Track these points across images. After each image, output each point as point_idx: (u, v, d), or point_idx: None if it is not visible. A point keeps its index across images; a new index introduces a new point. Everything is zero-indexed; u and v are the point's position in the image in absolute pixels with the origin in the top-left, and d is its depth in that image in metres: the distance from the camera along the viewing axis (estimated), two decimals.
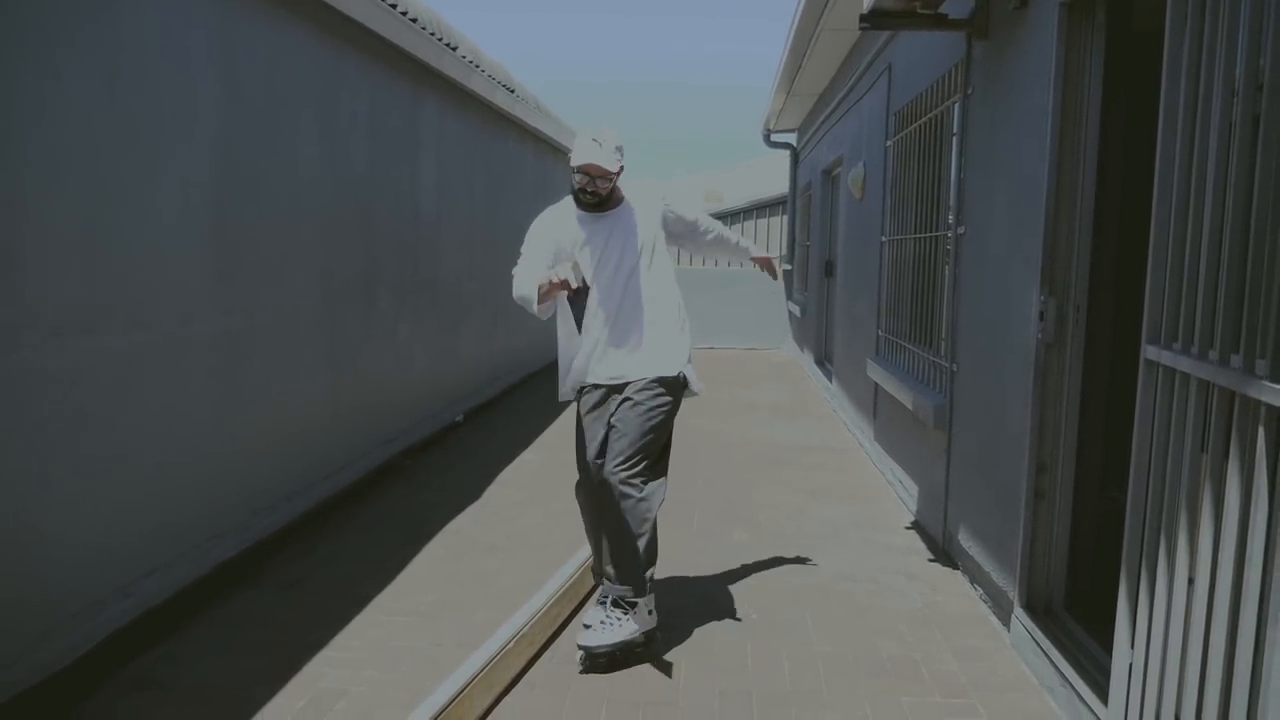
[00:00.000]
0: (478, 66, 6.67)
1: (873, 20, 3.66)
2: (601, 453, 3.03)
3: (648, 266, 3.13)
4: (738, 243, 3.51)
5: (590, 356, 3.13)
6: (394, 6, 5.00)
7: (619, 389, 3.09)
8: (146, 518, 3.16)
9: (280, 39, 4.02)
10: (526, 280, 3.06)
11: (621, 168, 3.06)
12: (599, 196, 3.04)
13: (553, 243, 3.14)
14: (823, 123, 9.23)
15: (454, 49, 6.10)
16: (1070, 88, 2.90)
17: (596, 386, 3.13)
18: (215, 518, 3.59)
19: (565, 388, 3.24)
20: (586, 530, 3.26)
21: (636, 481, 2.95)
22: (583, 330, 3.14)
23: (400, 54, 5.34)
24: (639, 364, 3.09)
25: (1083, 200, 2.91)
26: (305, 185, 4.30)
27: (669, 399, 3.07)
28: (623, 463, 2.94)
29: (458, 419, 6.79)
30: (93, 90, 2.84)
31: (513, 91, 7.76)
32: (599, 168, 2.98)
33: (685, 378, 3.15)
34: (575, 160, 3.01)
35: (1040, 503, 3.01)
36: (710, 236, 3.39)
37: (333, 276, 4.64)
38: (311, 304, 4.42)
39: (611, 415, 3.05)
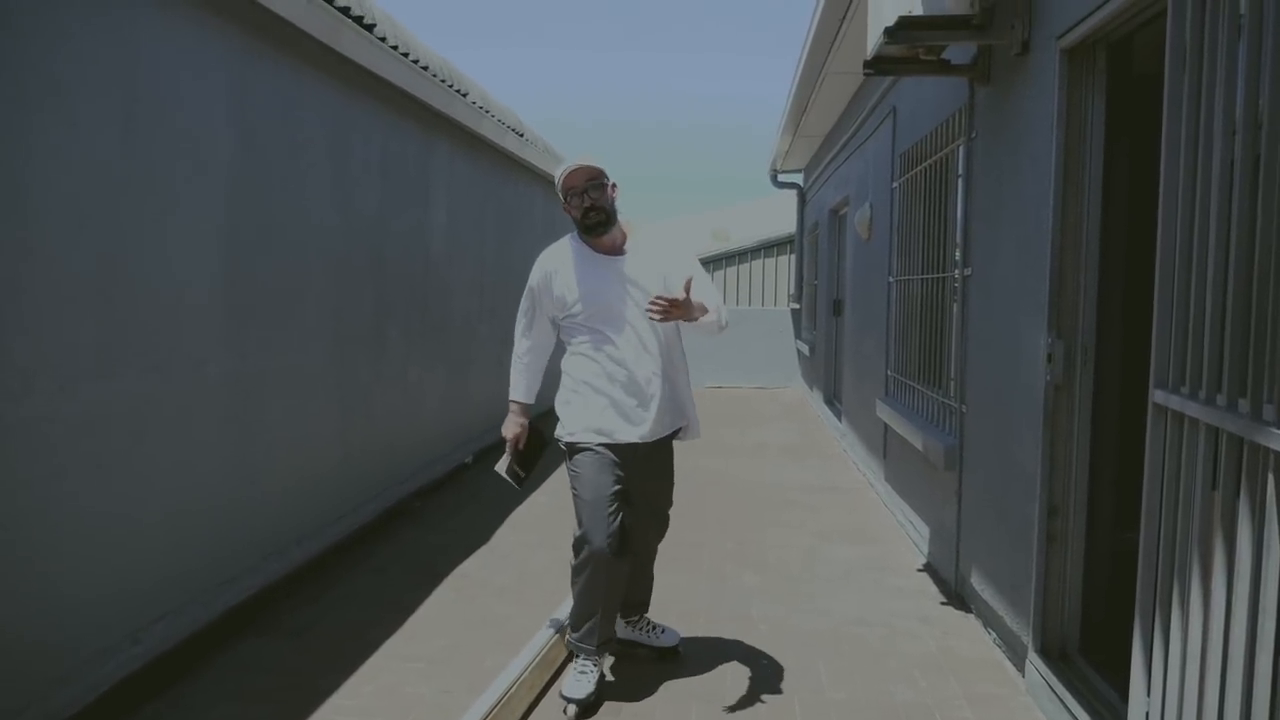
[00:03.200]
0: (487, 112, 6.78)
1: (876, 66, 3.71)
2: (620, 519, 2.88)
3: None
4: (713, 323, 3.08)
5: (604, 413, 2.96)
6: (405, 55, 5.10)
7: (636, 446, 2.99)
8: (157, 563, 3.17)
9: (294, 87, 4.11)
10: (514, 376, 3.20)
11: (614, 185, 2.95)
12: (605, 214, 2.90)
13: (556, 291, 2.99)
14: (829, 163, 9.31)
15: (464, 95, 6.21)
16: (1073, 132, 2.94)
17: (608, 443, 2.97)
18: (226, 562, 3.59)
19: (565, 431, 3.02)
20: (595, 600, 2.94)
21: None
22: (592, 381, 2.98)
23: (412, 100, 5.44)
24: (656, 422, 3.00)
25: (1088, 243, 2.93)
26: (317, 229, 4.36)
27: (672, 446, 3.22)
28: (662, 531, 3.27)
29: (467, 460, 6.79)
30: (109, 138, 2.90)
31: (522, 135, 7.86)
32: (590, 169, 2.86)
33: (691, 429, 3.22)
34: (563, 175, 2.89)
35: (1053, 546, 3.00)
36: (705, 320, 3.01)
37: (344, 319, 4.69)
38: (323, 346, 4.46)
39: (629, 476, 2.97)
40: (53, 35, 2.65)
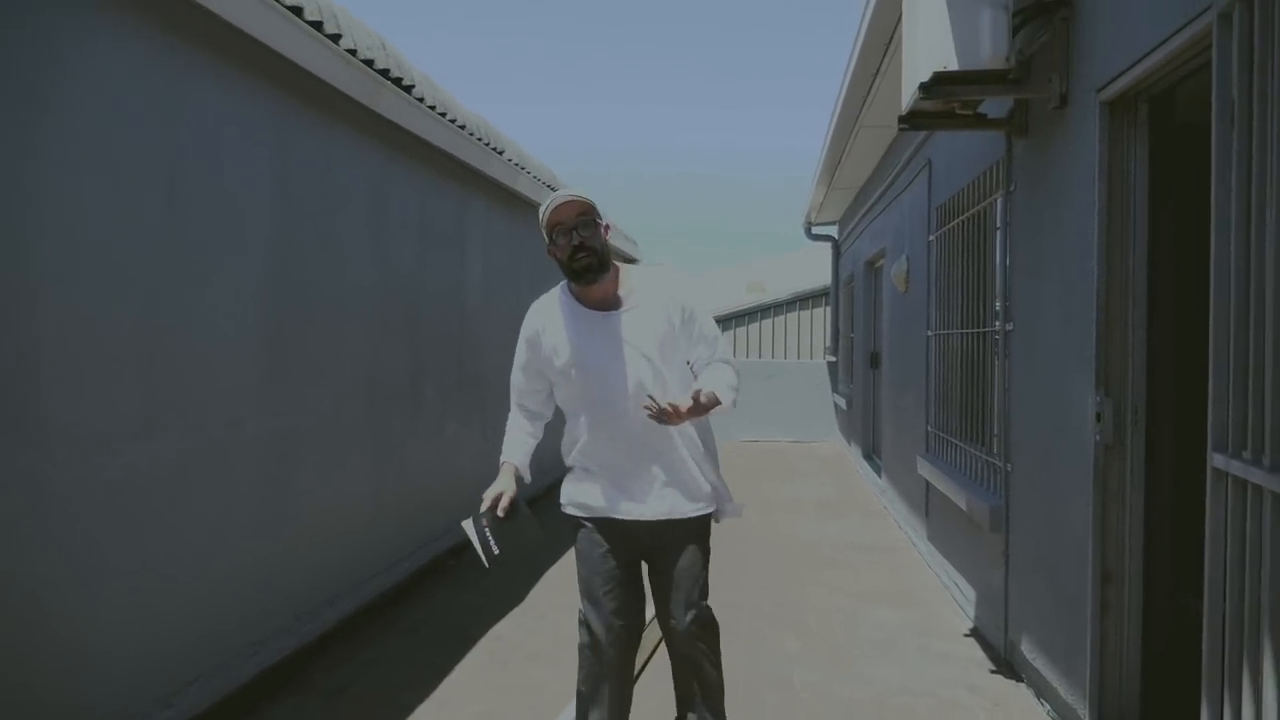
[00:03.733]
0: (523, 168, 6.86)
1: (911, 121, 3.69)
2: (621, 605, 2.59)
3: (666, 379, 2.56)
4: (725, 389, 2.53)
5: (602, 487, 2.63)
6: (444, 115, 5.18)
7: (640, 525, 2.61)
8: (189, 625, 3.15)
9: (333, 146, 4.17)
10: (506, 437, 2.77)
11: (608, 225, 2.58)
12: (595, 255, 2.47)
13: (545, 350, 2.63)
14: (863, 216, 9.29)
15: (501, 152, 6.29)
16: (1115, 185, 2.88)
17: (608, 518, 2.63)
18: (257, 623, 3.56)
19: (564, 503, 2.73)
20: (593, 692, 2.63)
21: (710, 637, 2.64)
22: (592, 456, 2.65)
23: (449, 159, 5.51)
24: (660, 499, 2.59)
25: (1135, 299, 2.85)
26: (354, 286, 4.40)
27: (707, 530, 2.70)
28: (704, 625, 2.62)
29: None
30: (153, 201, 2.95)
31: (556, 190, 7.93)
32: (580, 202, 2.46)
33: (722, 508, 2.73)
34: (549, 209, 2.47)
35: (1108, 613, 2.87)
36: (704, 373, 2.62)
37: (379, 375, 4.70)
38: (358, 403, 4.47)
39: (640, 558, 2.66)
40: (101, 105, 2.71)
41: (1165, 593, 2.93)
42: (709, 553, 2.70)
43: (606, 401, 2.57)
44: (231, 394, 3.40)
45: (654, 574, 2.67)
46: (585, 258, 2.49)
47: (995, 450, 4.23)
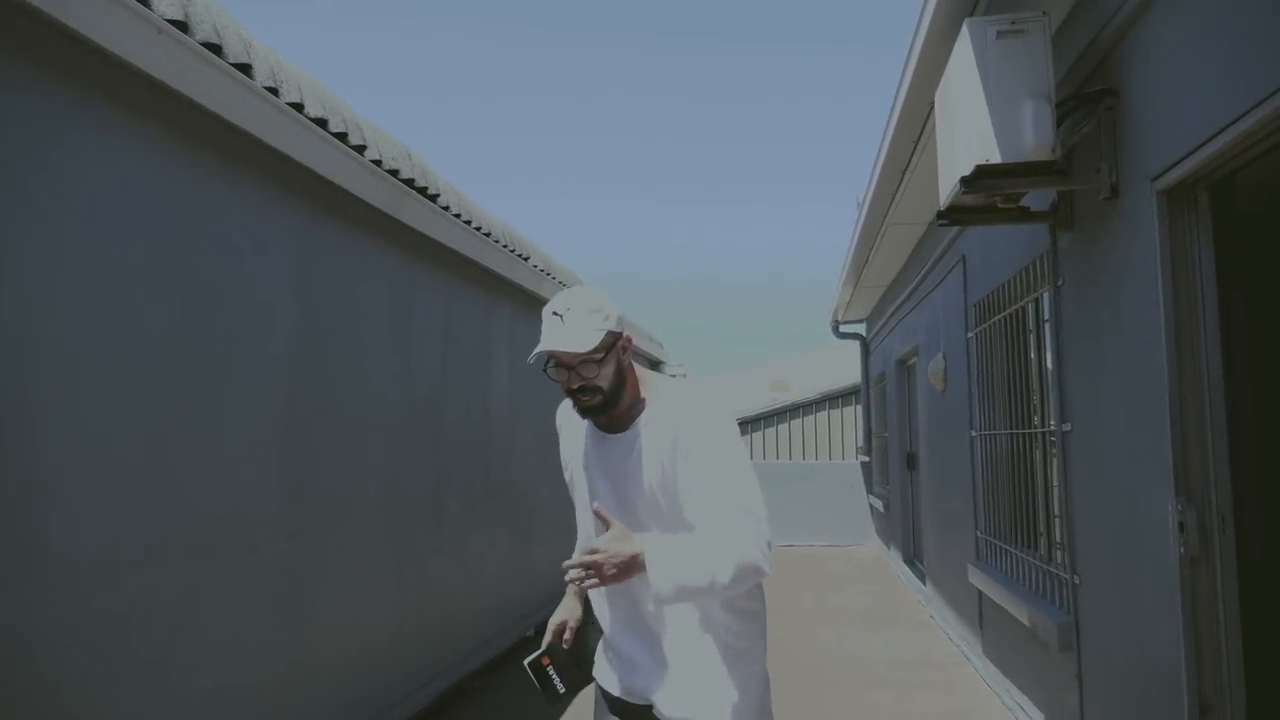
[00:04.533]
0: (549, 274, 6.81)
1: (951, 216, 3.56)
2: None
3: (666, 527, 1.92)
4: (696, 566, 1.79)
5: (604, 650, 2.16)
6: (469, 223, 5.15)
7: (632, 709, 2.06)
8: None
9: (356, 255, 4.10)
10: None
11: (616, 341, 1.95)
12: (600, 394, 1.92)
13: (563, 455, 2.22)
14: (893, 313, 9.15)
15: (526, 259, 6.24)
16: (1180, 278, 2.70)
17: (604, 693, 2.15)
18: None
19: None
20: None
21: None
22: (597, 605, 2.16)
23: (474, 265, 5.46)
24: (635, 676, 2.03)
25: (1212, 397, 2.64)
26: (377, 397, 4.26)
27: None
28: None
29: (529, 633, 6.42)
30: (167, 314, 2.84)
31: None
32: (567, 354, 1.89)
33: None
34: (536, 361, 1.96)
35: None
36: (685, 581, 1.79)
37: (401, 488, 4.52)
38: (379, 519, 4.27)
39: None
40: (114, 215, 2.63)
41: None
42: None
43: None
44: (245, 515, 3.23)
45: None
46: (589, 397, 1.94)
47: (1058, 560, 3.95)
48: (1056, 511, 4.03)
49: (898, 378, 9.44)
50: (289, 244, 3.54)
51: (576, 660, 2.21)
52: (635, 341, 2.19)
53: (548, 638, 2.19)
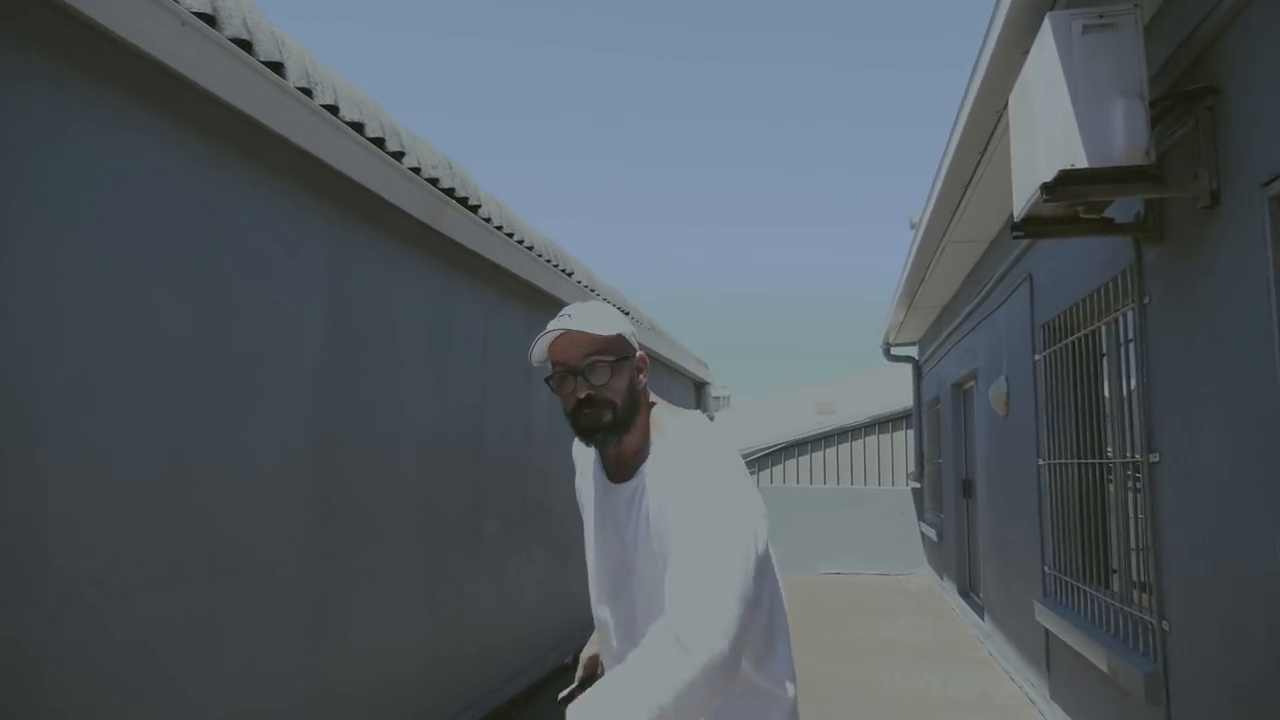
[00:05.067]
0: (594, 291, 6.63)
1: (1026, 229, 3.29)
2: None
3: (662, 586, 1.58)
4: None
5: None
6: (510, 236, 4.98)
7: None
8: None
9: (392, 267, 3.94)
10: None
11: (630, 354, 1.71)
12: (611, 410, 1.65)
13: (582, 498, 1.94)
14: (949, 335, 8.81)
15: (570, 274, 6.07)
16: None
17: None
18: None
19: None
20: None
21: None
22: (605, 653, 1.92)
23: (515, 279, 5.29)
24: None
25: None
26: (412, 415, 4.09)
27: None
28: None
29: (566, 659, 6.19)
30: (188, 323, 2.69)
31: (627, 314, 7.69)
32: (585, 337, 1.63)
33: None
34: (545, 339, 1.66)
35: None
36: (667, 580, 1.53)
37: (436, 509, 4.33)
38: (413, 541, 4.09)
39: None
40: (131, 217, 2.49)
41: None
42: None
43: (598, 594, 1.85)
44: (271, 534, 3.06)
45: None
46: (593, 414, 1.65)
47: (1141, 602, 3.62)
48: (1134, 545, 3.72)
49: (953, 402, 9.08)
50: (321, 251, 3.39)
51: None
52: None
53: (580, 671, 2.05)
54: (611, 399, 1.65)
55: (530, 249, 5.28)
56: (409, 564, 4.05)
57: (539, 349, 1.66)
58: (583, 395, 1.64)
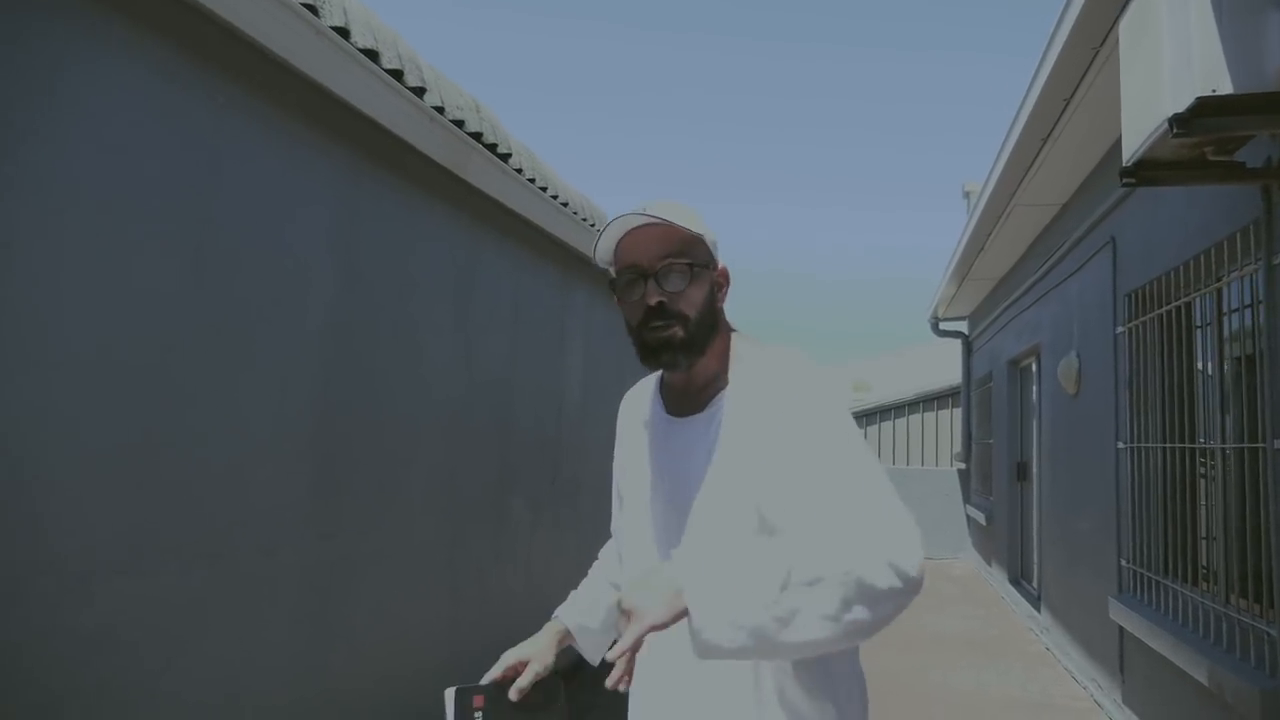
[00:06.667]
0: None
1: (1140, 174, 2.83)
2: None
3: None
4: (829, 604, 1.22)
5: (632, 698, 1.61)
6: (544, 190, 4.58)
7: None
8: None
9: (411, 217, 3.56)
10: (584, 582, 1.85)
11: (712, 265, 1.45)
12: (684, 325, 1.39)
13: (623, 459, 1.65)
14: (1007, 308, 8.29)
15: None
16: None
17: None
18: None
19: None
20: None
21: None
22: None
23: (548, 239, 4.90)
24: None
25: None
26: (432, 382, 3.72)
27: None
28: None
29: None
30: (173, 275, 2.32)
31: None
32: (669, 227, 1.38)
33: None
34: (612, 234, 1.41)
35: None
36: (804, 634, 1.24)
37: (459, 486, 3.97)
38: (432, 521, 3.73)
39: None
40: (103, 146, 2.11)
41: None
42: None
43: (644, 547, 1.52)
44: (267, 513, 2.71)
45: None
46: (665, 328, 1.38)
47: (1253, 608, 3.17)
48: (1238, 542, 3.27)
49: (1009, 379, 8.58)
50: (329, 197, 3.01)
51: (527, 712, 1.54)
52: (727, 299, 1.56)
53: (493, 672, 1.59)
54: (686, 312, 1.39)
55: (565, 205, 4.88)
56: (427, 546, 3.69)
57: (604, 243, 1.41)
58: (653, 303, 1.38)
